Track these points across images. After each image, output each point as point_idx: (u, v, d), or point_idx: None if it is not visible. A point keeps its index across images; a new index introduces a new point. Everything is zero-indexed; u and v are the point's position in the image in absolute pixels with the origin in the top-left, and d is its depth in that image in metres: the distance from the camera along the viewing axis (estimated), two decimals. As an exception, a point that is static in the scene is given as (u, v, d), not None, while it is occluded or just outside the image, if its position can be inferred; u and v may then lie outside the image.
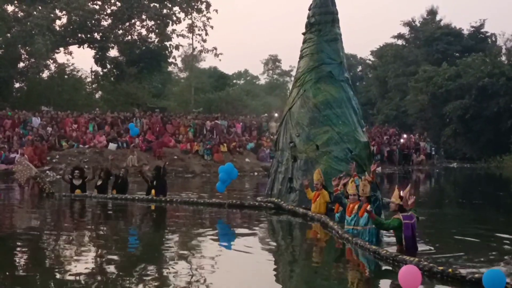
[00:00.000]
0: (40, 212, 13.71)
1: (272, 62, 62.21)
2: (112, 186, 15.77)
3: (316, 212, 11.58)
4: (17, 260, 8.31)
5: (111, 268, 7.67)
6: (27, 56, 36.55)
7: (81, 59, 42.63)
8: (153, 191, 14.92)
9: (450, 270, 6.96)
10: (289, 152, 13.83)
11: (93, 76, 41.30)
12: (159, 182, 15.04)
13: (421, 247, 8.77)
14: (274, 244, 10.05)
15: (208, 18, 41.72)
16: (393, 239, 8.76)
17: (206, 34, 42.27)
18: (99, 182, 15.66)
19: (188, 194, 16.72)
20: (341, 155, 13.06)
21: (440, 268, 7.01)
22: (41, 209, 14.18)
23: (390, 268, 7.55)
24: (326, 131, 13.39)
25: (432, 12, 52.04)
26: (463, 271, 6.95)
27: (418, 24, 51.83)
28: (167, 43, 41.15)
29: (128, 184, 15.95)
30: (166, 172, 15.72)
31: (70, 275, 7.16)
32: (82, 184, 15.83)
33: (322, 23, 14.35)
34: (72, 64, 40.03)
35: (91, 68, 40.83)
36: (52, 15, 35.28)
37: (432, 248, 8.85)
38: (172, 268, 7.69)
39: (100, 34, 38.25)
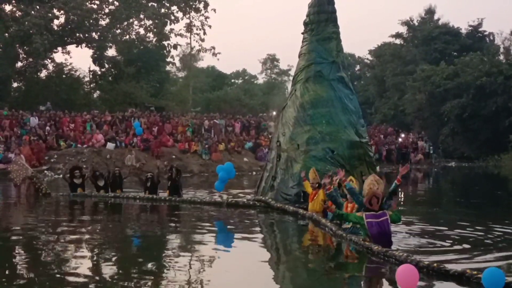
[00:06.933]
0: (37, 212, 13.71)
1: (270, 61, 62.03)
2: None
3: (313, 210, 11.57)
4: (15, 260, 8.30)
5: (110, 268, 7.67)
6: (25, 56, 36.48)
7: (79, 59, 42.43)
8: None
9: (435, 264, 7.06)
10: (275, 151, 13.92)
11: (91, 76, 41.20)
12: (172, 183, 15.12)
13: (420, 244, 8.82)
14: (272, 242, 10.06)
15: (206, 18, 41.73)
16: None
17: (204, 33, 42.27)
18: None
19: (187, 193, 16.71)
20: (319, 155, 13.12)
21: (426, 262, 7.14)
22: (38, 209, 14.19)
23: (386, 264, 7.57)
24: (307, 130, 13.47)
25: (430, 11, 52.03)
26: (447, 266, 7.01)
27: (416, 23, 51.82)
28: (165, 43, 41.14)
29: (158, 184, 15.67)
30: (178, 171, 15.78)
31: (68, 275, 7.16)
32: (83, 182, 15.90)
33: (315, 22, 14.36)
34: (70, 63, 39.90)
35: (89, 68, 40.76)
36: (50, 15, 35.15)
37: (430, 245, 8.86)
38: (171, 267, 7.70)
39: (98, 33, 38.16)
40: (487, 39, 49.80)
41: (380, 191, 8.87)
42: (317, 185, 11.70)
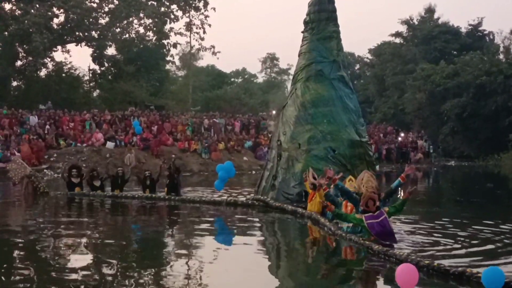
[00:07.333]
0: (35, 211, 13.68)
1: (270, 60, 62.11)
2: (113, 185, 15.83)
3: (311, 211, 11.53)
4: (13, 260, 8.28)
5: (109, 268, 7.64)
6: (24, 55, 36.51)
7: (78, 58, 42.87)
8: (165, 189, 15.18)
9: (435, 264, 7.04)
10: (276, 150, 13.89)
11: (90, 75, 41.26)
12: (171, 181, 15.11)
13: (420, 243, 8.80)
14: (271, 242, 10.04)
15: (206, 16, 41.80)
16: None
17: (204, 32, 42.35)
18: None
19: (187, 192, 16.70)
20: (321, 154, 13.11)
21: (426, 262, 7.11)
22: (36, 208, 14.17)
23: (386, 263, 7.56)
24: (309, 129, 13.44)
25: (430, 10, 52.05)
26: (447, 265, 7.00)
27: (416, 22, 51.85)
28: (165, 41, 41.19)
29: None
30: (178, 169, 15.74)
31: (67, 275, 7.14)
32: (80, 182, 15.91)
33: (316, 21, 14.33)
34: (70, 62, 40.02)
35: (89, 67, 40.82)
36: (50, 13, 35.18)
37: (429, 245, 8.84)
38: (170, 267, 7.68)
39: (98, 32, 38.20)
40: (487, 38, 49.83)
41: (375, 186, 8.92)
42: (312, 186, 11.69)
